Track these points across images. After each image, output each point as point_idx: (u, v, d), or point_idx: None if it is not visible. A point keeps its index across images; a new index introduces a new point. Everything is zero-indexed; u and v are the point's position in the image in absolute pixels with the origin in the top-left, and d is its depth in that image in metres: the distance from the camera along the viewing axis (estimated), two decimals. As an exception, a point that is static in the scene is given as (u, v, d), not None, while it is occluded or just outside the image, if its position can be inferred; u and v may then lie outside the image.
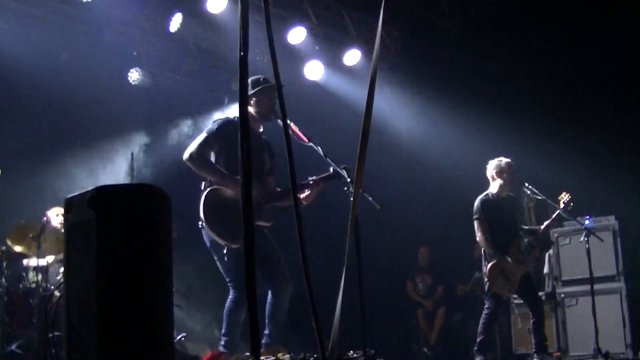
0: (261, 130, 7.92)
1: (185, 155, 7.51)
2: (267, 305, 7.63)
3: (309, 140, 7.52)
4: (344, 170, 7.47)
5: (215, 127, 7.60)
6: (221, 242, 7.35)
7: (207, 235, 7.47)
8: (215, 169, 7.50)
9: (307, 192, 7.72)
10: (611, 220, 11.20)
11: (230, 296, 7.55)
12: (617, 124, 12.70)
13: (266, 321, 7.58)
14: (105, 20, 10.42)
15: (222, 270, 7.57)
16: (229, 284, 7.56)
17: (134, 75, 10.94)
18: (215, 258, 7.56)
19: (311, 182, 7.69)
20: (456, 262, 13.63)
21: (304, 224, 3.61)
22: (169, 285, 4.08)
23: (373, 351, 6.97)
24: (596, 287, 10.08)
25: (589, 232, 10.14)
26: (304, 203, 7.86)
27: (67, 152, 10.08)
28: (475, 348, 9.93)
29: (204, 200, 7.38)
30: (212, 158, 7.62)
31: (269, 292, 7.65)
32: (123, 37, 10.73)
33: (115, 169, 10.49)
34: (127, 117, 11.03)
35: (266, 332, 7.57)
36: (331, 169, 7.73)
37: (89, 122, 10.57)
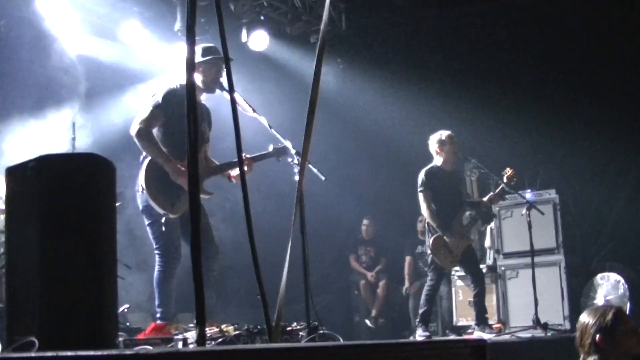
0: (203, 98, 7.86)
1: (132, 131, 7.46)
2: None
3: (255, 112, 7.50)
4: (288, 142, 7.47)
5: (160, 98, 7.52)
6: (161, 211, 7.35)
7: (142, 199, 7.45)
8: (160, 151, 7.45)
9: (237, 171, 7.72)
10: (552, 194, 11.35)
11: (157, 266, 7.53)
12: (559, 98, 12.82)
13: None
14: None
15: (151, 236, 7.58)
16: (155, 251, 7.54)
17: (75, 42, 10.75)
18: (146, 223, 7.58)
19: (244, 159, 7.65)
20: (399, 234, 13.70)
21: (248, 196, 3.59)
22: (113, 256, 4.04)
23: (316, 323, 7.00)
24: (536, 259, 10.21)
25: (530, 205, 10.25)
26: (234, 181, 7.88)
27: (4, 120, 9.89)
28: (417, 319, 10.03)
29: (146, 168, 7.38)
30: (157, 128, 7.56)
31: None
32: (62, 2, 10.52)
33: (57, 138, 10.32)
34: (68, 85, 10.85)
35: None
36: (270, 147, 7.74)
37: (28, 90, 10.37)
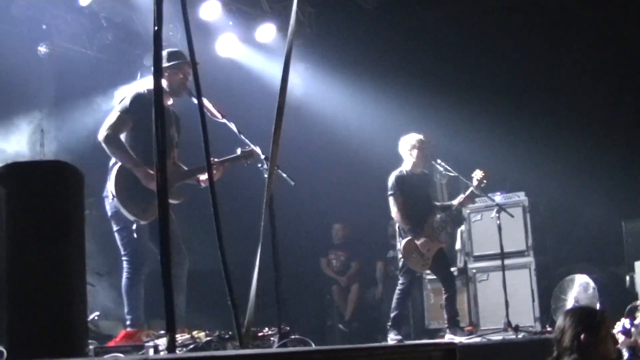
0: (170, 102, 7.82)
1: (100, 137, 7.43)
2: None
3: (223, 117, 7.49)
4: (257, 147, 7.46)
5: (128, 103, 7.48)
6: (131, 217, 7.31)
7: (111, 205, 7.41)
8: (129, 157, 7.40)
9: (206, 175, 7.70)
10: (521, 197, 11.42)
11: (125, 272, 7.50)
12: (527, 100, 12.90)
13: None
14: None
15: (119, 242, 7.54)
16: (123, 257, 7.51)
17: (44, 49, 10.68)
18: (114, 229, 7.54)
19: (213, 163, 7.63)
20: (370, 238, 13.72)
21: (218, 201, 3.59)
22: (82, 263, 4.02)
23: (288, 328, 7.00)
24: (506, 262, 10.26)
25: (500, 208, 10.29)
26: (203, 185, 7.85)
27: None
28: (389, 323, 10.03)
29: (116, 174, 7.34)
30: (126, 134, 7.52)
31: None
32: (32, 10, 10.47)
33: (25, 145, 10.25)
34: (37, 92, 10.78)
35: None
36: (238, 150, 7.73)
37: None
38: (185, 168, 7.93)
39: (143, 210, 7.35)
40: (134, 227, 7.34)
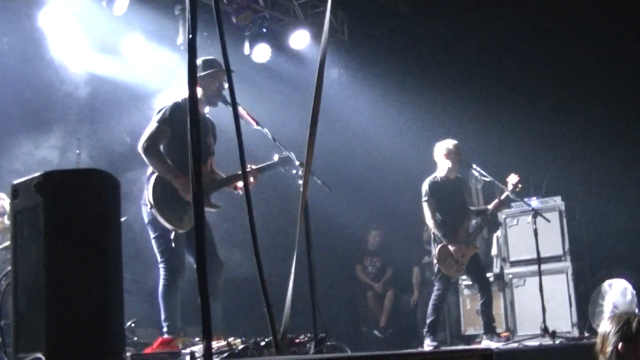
0: (206, 111, 7.86)
1: (140, 148, 7.46)
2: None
3: (258, 124, 7.50)
4: (292, 154, 7.47)
5: (168, 113, 7.50)
6: (170, 227, 7.33)
7: (148, 213, 7.45)
8: (168, 167, 7.43)
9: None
10: (557, 201, 11.33)
11: (162, 280, 7.50)
12: (563, 105, 12.83)
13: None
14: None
15: (156, 249, 7.54)
16: (160, 264, 7.52)
17: (79, 58, 10.76)
18: (152, 236, 7.54)
19: (249, 170, 7.66)
20: (405, 244, 13.69)
21: (254, 208, 3.60)
22: (119, 270, 4.04)
23: (324, 334, 6.99)
24: (543, 267, 10.18)
25: (536, 213, 10.21)
26: (240, 192, 7.86)
27: (12, 137, 9.90)
28: (425, 329, 9.99)
29: (154, 184, 7.36)
30: (164, 144, 7.55)
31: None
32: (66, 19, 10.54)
33: (63, 154, 10.33)
34: (73, 102, 10.86)
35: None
36: (275, 157, 7.73)
37: (34, 107, 10.39)
38: (223, 175, 7.95)
39: (180, 219, 7.37)
40: (172, 235, 7.37)
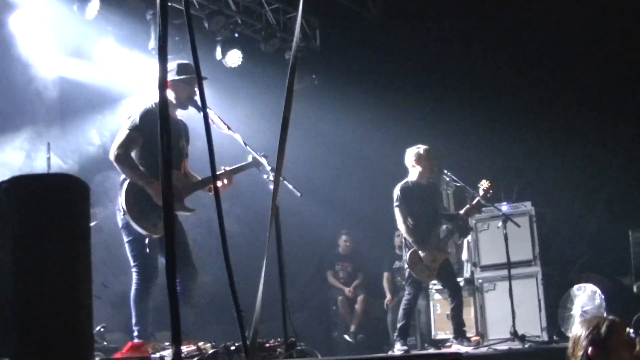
0: (178, 114, 7.82)
1: (111, 156, 7.46)
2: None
3: (229, 129, 7.50)
4: (263, 158, 7.48)
5: (138, 120, 7.47)
6: (144, 232, 7.32)
7: (122, 218, 7.43)
8: (140, 174, 7.41)
9: (220, 183, 7.69)
10: (528, 206, 11.42)
11: (134, 284, 7.49)
12: (533, 111, 12.92)
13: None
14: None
15: (129, 254, 7.53)
16: (133, 268, 7.50)
17: (50, 62, 10.69)
18: (125, 240, 7.53)
19: (223, 172, 7.66)
20: (376, 249, 13.72)
21: (224, 213, 3.60)
22: (88, 275, 4.02)
23: (294, 339, 6.99)
24: (513, 272, 10.25)
25: (507, 218, 10.28)
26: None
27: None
28: (396, 334, 10.02)
29: (126, 190, 7.34)
30: (137, 150, 7.53)
31: (178, 283, 7.57)
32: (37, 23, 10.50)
33: (31, 159, 10.27)
34: (42, 106, 10.81)
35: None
36: (249, 157, 7.72)
37: (1, 111, 10.32)
38: (198, 177, 7.92)
39: (154, 225, 7.36)
40: (146, 240, 7.36)
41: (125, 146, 7.43)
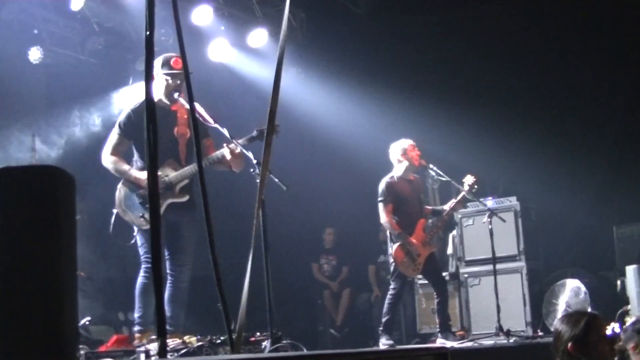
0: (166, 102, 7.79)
1: (103, 160, 7.67)
2: (167, 294, 7.58)
3: (215, 122, 7.48)
4: (249, 152, 7.45)
5: (122, 124, 7.62)
6: (135, 227, 7.37)
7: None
8: (130, 175, 7.55)
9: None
10: (513, 201, 11.42)
11: (142, 274, 7.51)
12: (519, 106, 12.93)
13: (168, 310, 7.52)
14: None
15: (139, 247, 7.62)
16: (143, 259, 7.57)
17: (35, 54, 10.63)
18: (134, 233, 7.65)
19: (239, 142, 7.56)
20: (361, 243, 13.72)
21: (210, 207, 3.59)
22: (73, 269, 4.00)
23: (280, 333, 6.99)
24: (498, 266, 10.25)
25: (492, 212, 10.29)
26: (237, 170, 7.73)
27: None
28: (381, 328, 10.03)
29: (119, 188, 7.64)
30: (132, 149, 7.64)
31: (168, 274, 7.59)
32: (23, 15, 10.45)
33: (17, 150, 10.23)
34: (28, 97, 10.77)
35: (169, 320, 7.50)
36: (255, 132, 7.62)
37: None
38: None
39: (142, 216, 7.40)
40: (135, 231, 7.44)
41: (113, 149, 7.69)
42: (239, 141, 7.56)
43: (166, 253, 7.55)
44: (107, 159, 7.64)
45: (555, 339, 5.09)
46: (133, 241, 7.57)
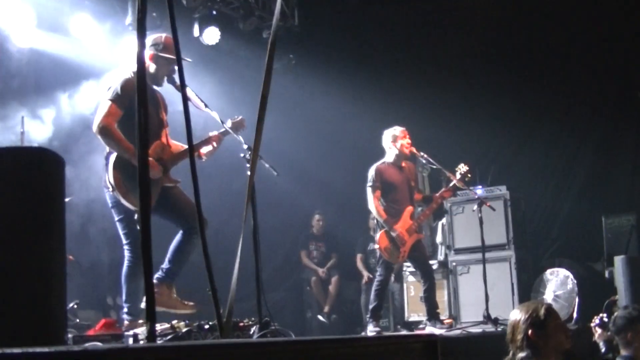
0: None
1: (95, 129, 7.17)
2: (175, 242, 7.47)
3: (206, 107, 7.45)
4: (240, 137, 7.44)
5: (119, 90, 7.26)
6: (133, 208, 7.15)
7: (111, 196, 7.27)
8: (125, 146, 7.13)
9: (208, 148, 7.67)
10: (503, 190, 11.44)
11: (126, 261, 7.40)
12: (509, 96, 12.93)
13: (168, 255, 7.44)
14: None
15: (120, 232, 7.41)
16: (125, 246, 7.42)
17: (25, 36, 10.56)
18: (116, 219, 7.40)
19: (211, 137, 7.63)
20: (350, 230, 13.73)
21: (200, 192, 3.57)
22: (62, 251, 3.99)
23: (268, 318, 6.99)
24: (487, 255, 10.26)
25: (482, 201, 10.30)
26: (204, 158, 7.77)
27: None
28: (368, 315, 10.04)
29: (113, 165, 7.12)
30: (119, 121, 7.35)
31: (180, 232, 7.48)
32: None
33: (5, 132, 10.18)
34: (16, 79, 10.70)
35: (164, 266, 7.46)
36: (229, 122, 7.65)
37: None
38: (180, 145, 7.77)
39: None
40: (136, 217, 7.23)
41: (107, 118, 7.16)
42: (213, 133, 7.59)
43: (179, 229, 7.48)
44: (107, 129, 7.14)
45: (512, 328, 5.24)
46: (122, 222, 7.43)
